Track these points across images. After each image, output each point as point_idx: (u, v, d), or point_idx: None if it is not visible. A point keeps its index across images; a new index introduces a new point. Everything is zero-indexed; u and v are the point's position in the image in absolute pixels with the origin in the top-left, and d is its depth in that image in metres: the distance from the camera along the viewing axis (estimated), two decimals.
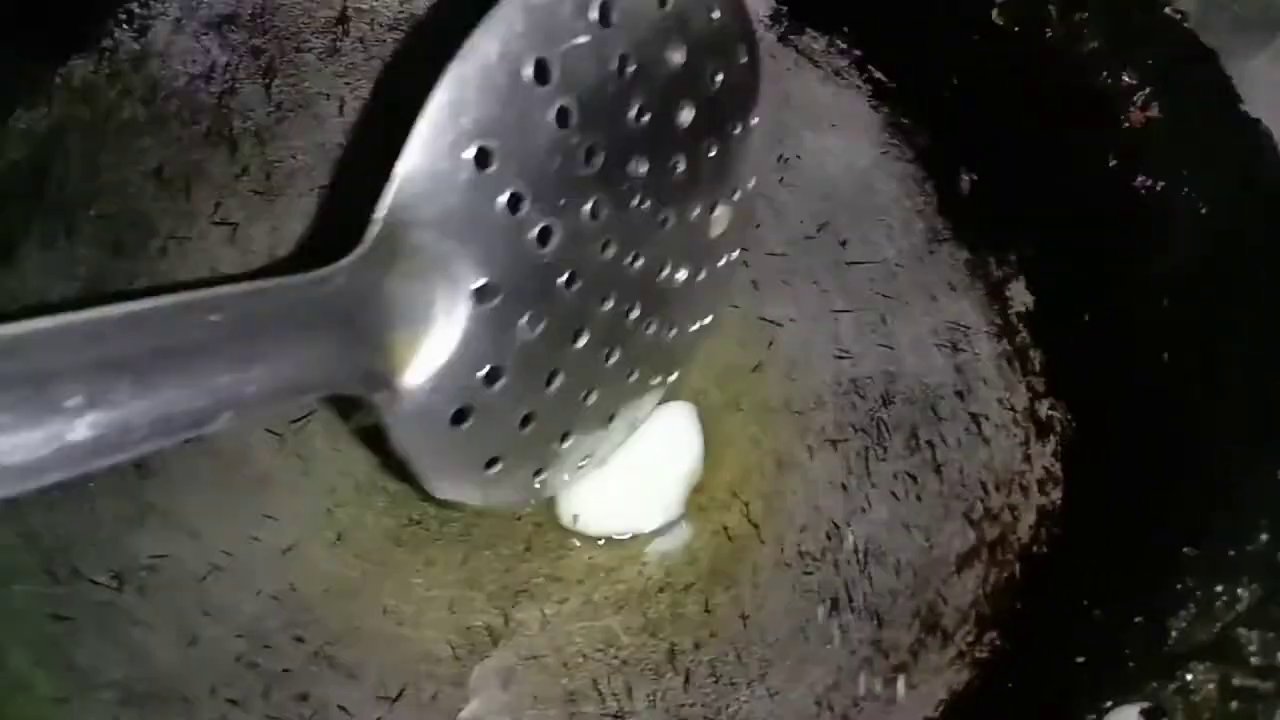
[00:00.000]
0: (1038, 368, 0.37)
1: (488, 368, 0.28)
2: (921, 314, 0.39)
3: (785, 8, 0.43)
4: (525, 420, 0.30)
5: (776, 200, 0.42)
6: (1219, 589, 0.28)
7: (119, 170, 0.40)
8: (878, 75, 0.42)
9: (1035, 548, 0.34)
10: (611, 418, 0.34)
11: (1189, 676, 0.26)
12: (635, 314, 0.33)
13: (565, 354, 0.31)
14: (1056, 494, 0.34)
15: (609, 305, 0.31)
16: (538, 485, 0.33)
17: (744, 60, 0.33)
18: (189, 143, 0.41)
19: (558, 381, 0.31)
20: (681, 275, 0.34)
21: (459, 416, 0.28)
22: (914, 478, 0.37)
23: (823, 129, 0.43)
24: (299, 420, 0.37)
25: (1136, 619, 0.28)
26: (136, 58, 0.41)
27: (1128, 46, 0.36)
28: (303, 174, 0.42)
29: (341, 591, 0.35)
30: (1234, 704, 0.25)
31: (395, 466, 0.29)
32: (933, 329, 0.39)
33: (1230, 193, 0.34)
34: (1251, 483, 0.29)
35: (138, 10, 0.42)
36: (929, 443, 0.37)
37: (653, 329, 0.34)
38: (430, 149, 0.25)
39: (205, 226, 0.40)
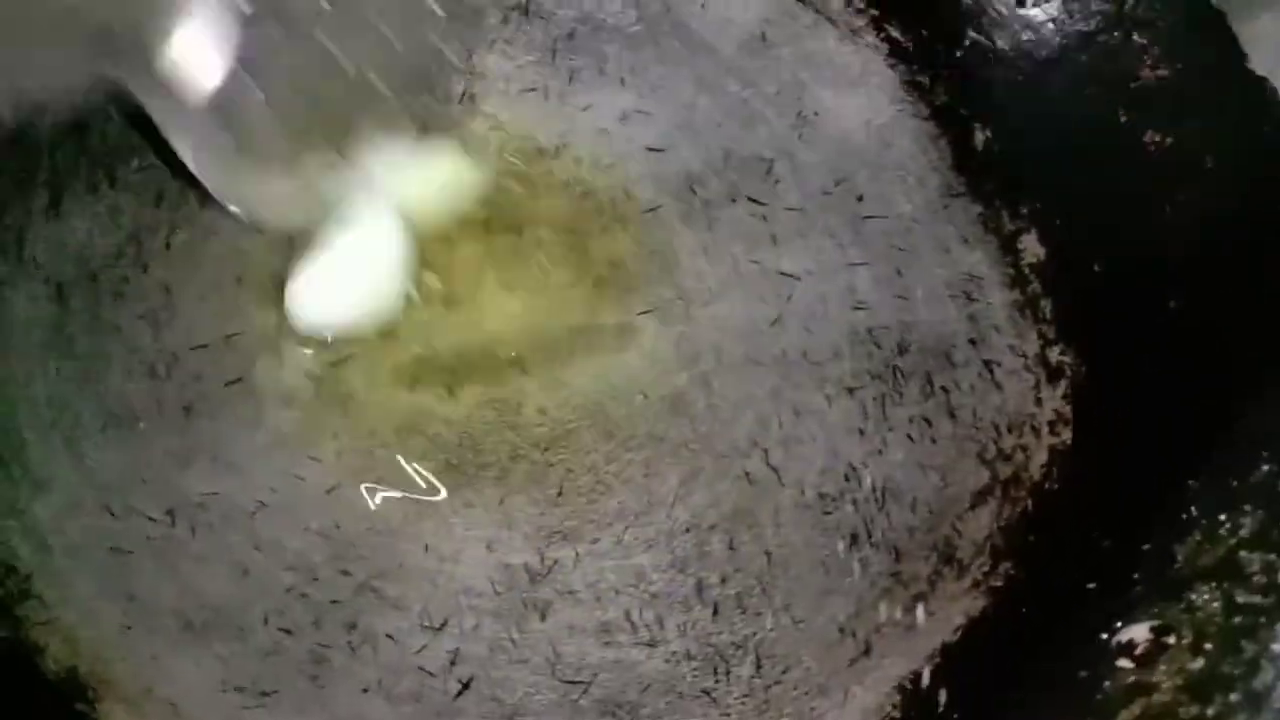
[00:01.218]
0: (1048, 316, 0.38)
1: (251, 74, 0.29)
2: (936, 266, 0.41)
3: None
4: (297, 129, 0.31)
5: (795, 157, 0.43)
6: (1223, 517, 0.29)
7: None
8: (894, 34, 0.43)
9: (1046, 484, 0.35)
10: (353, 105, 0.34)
11: (1194, 597, 0.28)
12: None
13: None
14: (1066, 434, 0.36)
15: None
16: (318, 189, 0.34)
17: None
18: None
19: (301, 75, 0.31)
20: None
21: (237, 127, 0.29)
22: (929, 421, 0.38)
23: (840, 87, 0.44)
24: (337, 364, 0.38)
25: (1144, 546, 0.30)
26: None
27: (1137, 8, 0.37)
28: None
29: (384, 530, 0.36)
30: (1237, 619, 0.27)
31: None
32: (947, 280, 0.40)
33: (1236, 147, 0.35)
34: (1253, 418, 0.31)
35: None
36: (943, 388, 0.39)
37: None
38: None
39: None
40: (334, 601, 0.35)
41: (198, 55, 0.28)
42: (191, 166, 0.30)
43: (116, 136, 0.40)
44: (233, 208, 0.31)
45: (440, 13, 0.34)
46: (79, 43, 0.27)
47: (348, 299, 0.39)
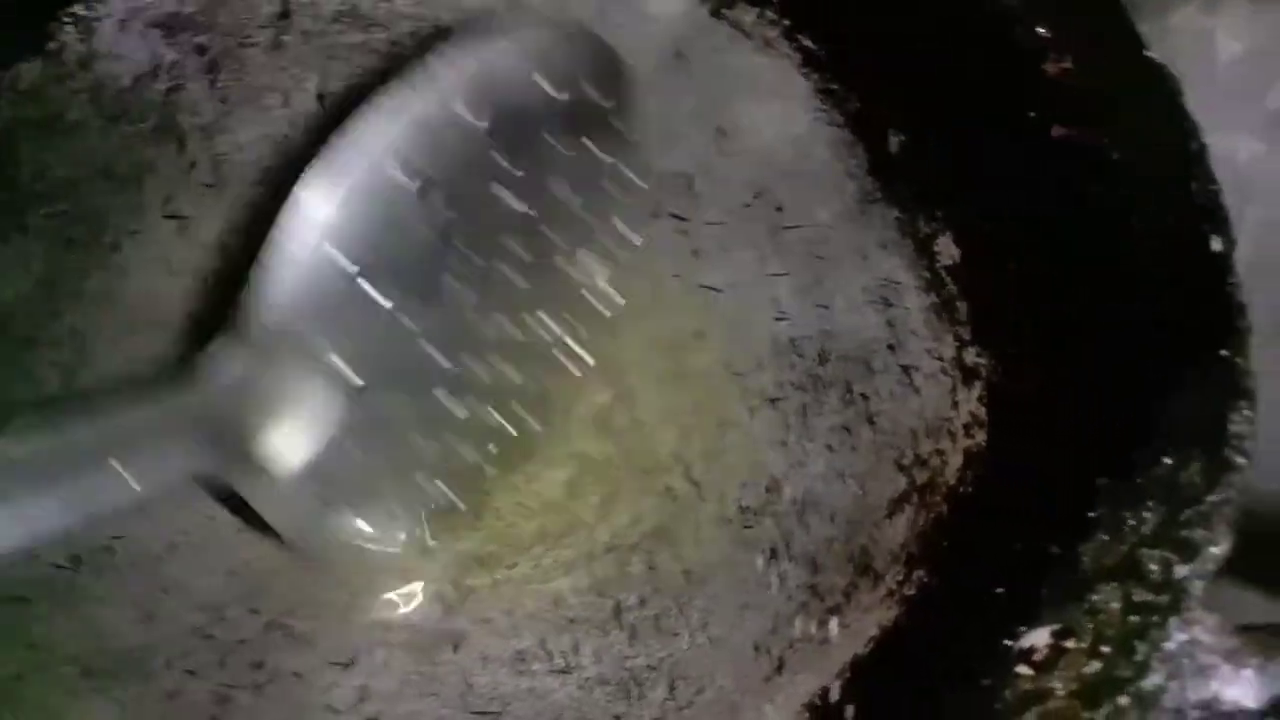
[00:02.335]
0: (964, 317, 0.38)
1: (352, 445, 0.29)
2: (855, 273, 0.40)
3: None
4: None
5: (714, 171, 0.43)
6: (1127, 514, 0.28)
7: (69, 168, 0.41)
8: (806, 43, 0.43)
9: (961, 489, 0.35)
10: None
11: (1096, 598, 0.27)
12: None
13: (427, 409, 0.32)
14: (981, 436, 0.35)
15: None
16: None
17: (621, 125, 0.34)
18: (137, 140, 0.42)
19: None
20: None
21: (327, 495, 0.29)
22: (849, 430, 0.38)
23: (757, 99, 0.44)
24: None
25: (1052, 549, 0.29)
26: (83, 59, 0.42)
27: (1039, 1, 0.37)
28: (251, 166, 0.43)
29: (295, 565, 0.36)
30: (1133, 618, 0.26)
31: None
32: (865, 287, 0.40)
33: (1143, 139, 0.35)
34: (1158, 413, 0.30)
35: (82, 12, 0.43)
36: (863, 395, 0.38)
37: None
38: (295, 243, 0.26)
39: (156, 220, 0.41)
40: (241, 641, 0.34)
41: (299, 432, 0.28)
42: (274, 525, 0.30)
43: (26, 182, 0.40)
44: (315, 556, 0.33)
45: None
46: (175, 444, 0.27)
47: None
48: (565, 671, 0.34)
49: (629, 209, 0.35)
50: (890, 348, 0.39)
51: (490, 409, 0.35)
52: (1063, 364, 0.34)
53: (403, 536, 0.34)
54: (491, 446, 0.35)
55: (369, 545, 0.33)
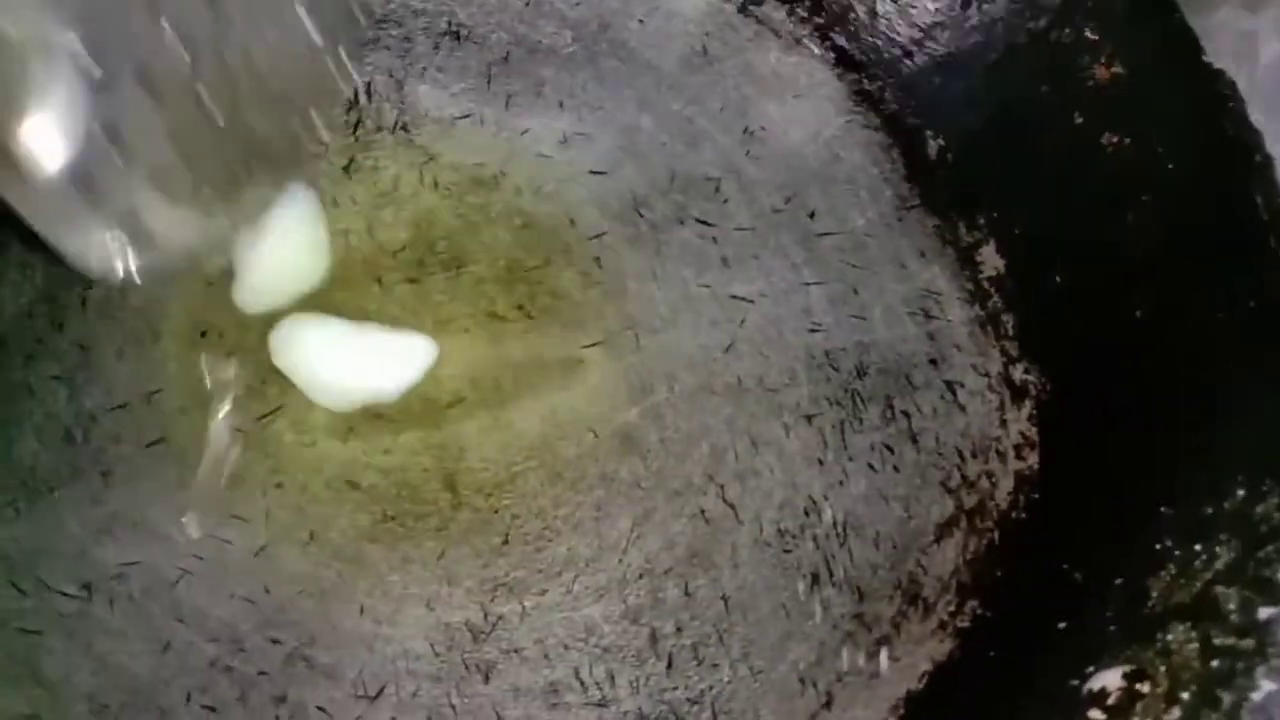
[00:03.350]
0: (1010, 332, 0.36)
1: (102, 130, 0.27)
2: (892, 282, 0.39)
3: None
4: (153, 175, 0.30)
5: (743, 174, 0.42)
6: (1197, 548, 0.27)
7: None
8: (840, 42, 0.41)
9: (1014, 514, 0.34)
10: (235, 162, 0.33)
11: (1169, 637, 0.26)
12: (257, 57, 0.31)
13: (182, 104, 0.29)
14: (1033, 459, 0.34)
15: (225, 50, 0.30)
16: (169, 236, 0.32)
17: None
18: None
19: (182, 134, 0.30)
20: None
21: (85, 184, 0.28)
22: (890, 449, 0.36)
23: (787, 100, 0.42)
24: (265, 417, 0.37)
25: (1116, 581, 0.28)
26: None
27: (1089, 2, 0.36)
28: None
29: (316, 591, 0.34)
30: (1215, 663, 0.25)
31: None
32: (904, 297, 0.39)
33: (1196, 145, 0.34)
34: (1226, 439, 0.29)
35: None
36: (904, 413, 0.37)
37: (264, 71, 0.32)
38: None
39: None
40: (261, 673, 0.33)
41: (49, 131, 0.26)
42: (47, 238, 0.28)
43: None
44: (95, 274, 0.30)
45: (318, 40, 0.32)
46: None
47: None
48: (601, 704, 0.33)
49: None
50: (932, 362, 0.37)
51: (247, 116, 0.32)
52: (1118, 384, 0.32)
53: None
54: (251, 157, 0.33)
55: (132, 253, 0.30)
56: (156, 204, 0.30)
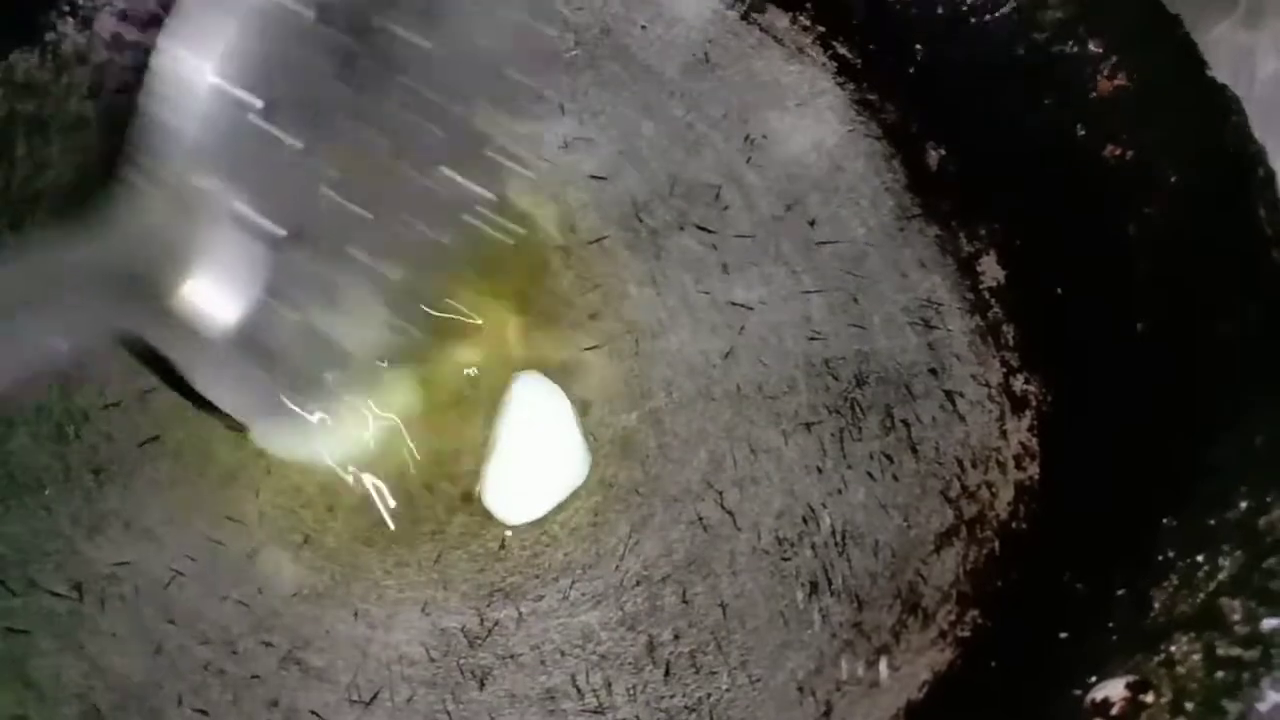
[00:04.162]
0: (1011, 342, 0.36)
1: (268, 295, 0.27)
2: (893, 292, 0.39)
3: None
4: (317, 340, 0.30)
5: (743, 182, 0.41)
6: (1200, 558, 0.27)
7: (67, 166, 0.39)
8: (842, 51, 0.41)
9: (1014, 524, 0.33)
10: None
11: (1173, 648, 0.26)
12: (405, 215, 0.32)
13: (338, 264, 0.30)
14: (1033, 469, 0.34)
15: (379, 210, 0.30)
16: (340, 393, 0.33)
17: None
18: None
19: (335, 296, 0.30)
20: (451, 173, 0.33)
21: (252, 345, 0.28)
22: (890, 458, 0.36)
23: (788, 108, 0.42)
24: None
25: (1119, 592, 0.28)
26: (81, 52, 0.40)
27: (1093, 14, 0.36)
28: None
29: (310, 595, 0.34)
30: (1219, 674, 0.25)
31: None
32: (904, 307, 0.38)
33: (1200, 160, 0.34)
34: (1229, 449, 0.29)
35: (81, 1, 0.41)
36: (904, 422, 0.37)
37: (425, 229, 0.33)
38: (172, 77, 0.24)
39: None
40: (254, 676, 0.32)
41: (223, 290, 0.26)
42: (210, 396, 0.28)
43: (22, 180, 0.38)
44: (260, 437, 0.31)
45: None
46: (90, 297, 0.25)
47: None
48: (598, 712, 0.33)
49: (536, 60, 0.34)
50: (932, 372, 0.37)
51: (413, 269, 0.33)
52: (1119, 395, 0.32)
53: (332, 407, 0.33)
54: (418, 312, 0.34)
55: (299, 412, 0.31)
56: (321, 364, 0.31)
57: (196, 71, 0.24)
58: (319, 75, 0.27)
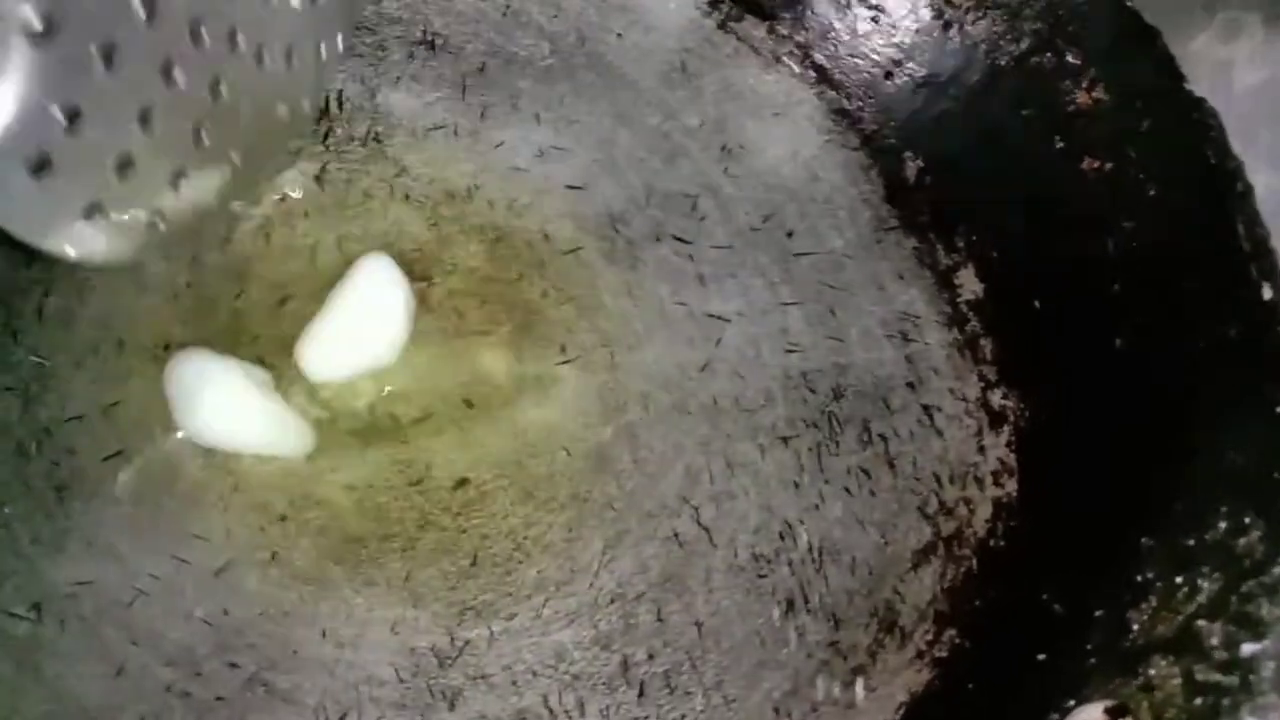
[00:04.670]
0: (989, 357, 0.36)
1: (62, 112, 0.25)
2: (870, 304, 0.39)
3: None
4: (121, 165, 0.28)
5: (720, 192, 0.41)
6: (1179, 580, 0.27)
7: None
8: (820, 61, 0.41)
9: (992, 541, 0.33)
10: (233, 151, 0.32)
11: (1152, 672, 0.26)
12: (240, 40, 0.30)
13: (155, 89, 0.28)
14: (1011, 485, 0.34)
15: (203, 29, 0.29)
16: (159, 226, 0.31)
17: None
18: None
19: (154, 121, 0.28)
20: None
21: (40, 167, 0.26)
22: (867, 473, 0.36)
23: (765, 118, 0.42)
24: None
25: (1097, 613, 0.28)
26: None
27: (1071, 26, 0.36)
28: None
29: (277, 614, 0.33)
30: (1198, 700, 0.25)
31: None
32: (882, 319, 0.38)
33: (1178, 173, 0.33)
34: (1209, 469, 0.28)
35: None
36: (881, 436, 0.36)
37: (266, 58, 0.31)
38: None
39: None
40: (219, 698, 0.32)
41: None
42: (10, 225, 0.27)
43: None
44: (46, 247, 0.28)
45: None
46: None
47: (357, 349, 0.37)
48: None
49: None
50: (910, 385, 0.37)
51: (243, 99, 0.31)
52: (1097, 412, 0.32)
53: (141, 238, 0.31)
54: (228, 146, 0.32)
55: (102, 237, 0.29)
56: (122, 193, 0.29)
57: None
58: None
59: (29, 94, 0.25)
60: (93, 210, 0.28)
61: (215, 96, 0.30)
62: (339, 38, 0.35)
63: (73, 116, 0.26)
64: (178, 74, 0.28)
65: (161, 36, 0.27)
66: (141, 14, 0.27)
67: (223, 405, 0.35)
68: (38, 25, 0.24)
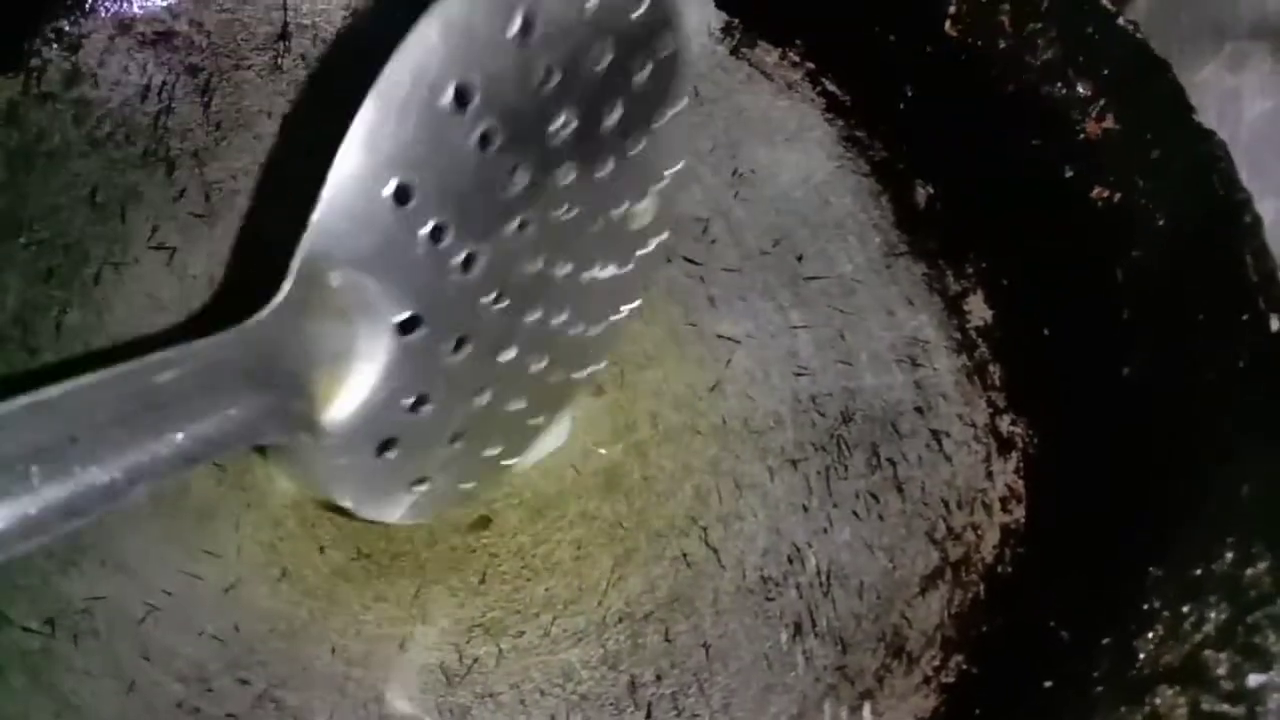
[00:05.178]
0: (998, 383, 0.36)
1: (414, 397, 0.28)
2: (880, 329, 0.39)
3: (737, 21, 0.42)
4: (453, 438, 0.30)
5: (731, 216, 0.41)
6: (1186, 609, 0.27)
7: (50, 195, 0.38)
8: (831, 88, 0.41)
9: (999, 567, 0.33)
10: (536, 416, 0.34)
11: (1158, 701, 0.26)
12: (562, 318, 0.32)
13: (491, 370, 0.30)
14: (1019, 512, 0.34)
15: (536, 315, 0.31)
16: (465, 490, 0.33)
17: (668, 50, 0.31)
18: (124, 165, 0.39)
19: (485, 397, 0.30)
20: (608, 271, 0.33)
21: (385, 446, 0.28)
22: (876, 497, 0.36)
23: (777, 143, 0.42)
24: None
25: (1104, 641, 0.28)
26: (68, 77, 0.40)
27: (1082, 57, 0.36)
28: (244, 195, 0.40)
29: (288, 631, 0.33)
30: None
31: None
32: (891, 344, 0.38)
33: (1187, 203, 0.34)
34: (1217, 499, 0.29)
35: (67, 28, 0.40)
36: (890, 460, 0.37)
37: (579, 328, 0.33)
38: (347, 188, 0.24)
39: (142, 251, 0.38)
40: (230, 715, 0.32)
41: (349, 376, 0.27)
42: (323, 486, 0.29)
43: (2, 209, 0.38)
44: (371, 516, 0.31)
45: None
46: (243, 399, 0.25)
47: None
48: None
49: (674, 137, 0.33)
50: (918, 410, 0.37)
51: (559, 369, 0.34)
52: (1106, 440, 0.32)
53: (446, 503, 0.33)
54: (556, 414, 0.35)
55: (418, 505, 0.31)
56: (447, 465, 0.31)
57: (375, 180, 0.25)
58: (473, 169, 0.27)
59: (386, 382, 0.27)
60: (421, 482, 0.31)
61: (534, 368, 0.33)
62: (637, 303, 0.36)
63: (419, 403, 0.28)
64: (510, 354, 0.31)
65: (502, 326, 0.30)
66: (493, 309, 0.29)
67: None
68: (404, 317, 0.26)
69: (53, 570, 0.33)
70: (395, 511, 0.31)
